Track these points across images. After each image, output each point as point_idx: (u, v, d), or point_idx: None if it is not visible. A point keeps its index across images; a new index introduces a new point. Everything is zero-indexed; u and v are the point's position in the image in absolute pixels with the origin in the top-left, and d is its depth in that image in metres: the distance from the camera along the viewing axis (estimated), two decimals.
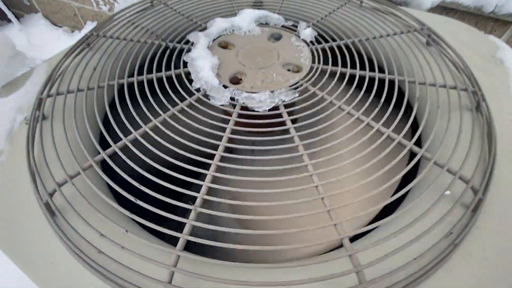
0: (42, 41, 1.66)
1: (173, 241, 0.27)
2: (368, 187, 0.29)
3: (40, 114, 0.37)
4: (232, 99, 0.35)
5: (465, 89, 0.39)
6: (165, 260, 0.24)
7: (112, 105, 0.39)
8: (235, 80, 0.37)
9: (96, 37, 0.50)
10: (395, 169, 0.30)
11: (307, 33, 0.43)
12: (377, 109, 0.36)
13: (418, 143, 0.35)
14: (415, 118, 0.39)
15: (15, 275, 0.68)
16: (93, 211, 0.28)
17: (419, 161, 0.32)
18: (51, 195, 0.29)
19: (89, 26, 1.52)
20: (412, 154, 0.33)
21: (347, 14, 0.53)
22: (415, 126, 0.38)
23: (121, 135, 0.34)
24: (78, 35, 1.59)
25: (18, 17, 1.57)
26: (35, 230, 0.30)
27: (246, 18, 0.45)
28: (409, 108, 0.40)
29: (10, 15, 1.60)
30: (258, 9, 0.52)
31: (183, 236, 0.25)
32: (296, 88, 0.36)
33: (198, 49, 0.38)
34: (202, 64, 0.36)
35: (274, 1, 0.55)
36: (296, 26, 0.46)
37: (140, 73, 0.43)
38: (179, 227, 0.27)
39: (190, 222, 0.26)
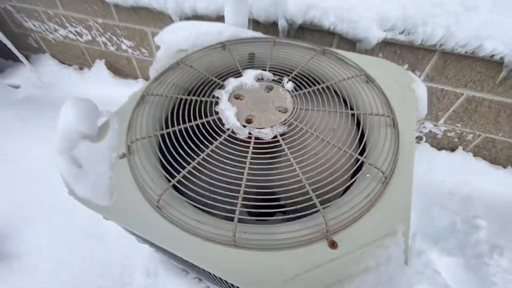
0: (53, 79, 1.85)
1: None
2: (332, 177, 0.52)
3: (128, 153, 0.58)
4: (249, 133, 0.58)
5: (388, 116, 0.64)
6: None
7: (172, 144, 0.61)
8: (249, 121, 0.60)
9: (146, 95, 0.72)
10: (347, 168, 0.54)
11: (289, 86, 0.67)
12: (337, 132, 0.60)
13: (364, 149, 0.59)
14: (363, 131, 0.63)
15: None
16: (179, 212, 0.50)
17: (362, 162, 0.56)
18: (158, 200, 0.50)
19: (98, 63, 1.72)
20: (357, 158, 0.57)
21: (317, 63, 0.77)
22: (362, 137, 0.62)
23: (184, 163, 0.56)
24: (88, 73, 1.79)
25: (26, 58, 1.75)
26: (148, 221, 0.51)
27: (249, 76, 0.68)
28: (359, 128, 0.64)
29: (21, 57, 1.78)
30: (253, 65, 0.76)
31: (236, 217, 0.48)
32: (285, 124, 0.60)
33: (223, 102, 0.61)
34: (228, 113, 0.59)
35: (264, 58, 0.80)
36: (282, 79, 0.70)
37: (183, 120, 0.64)
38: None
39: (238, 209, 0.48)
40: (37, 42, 1.86)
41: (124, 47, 1.58)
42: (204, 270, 0.56)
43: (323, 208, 0.47)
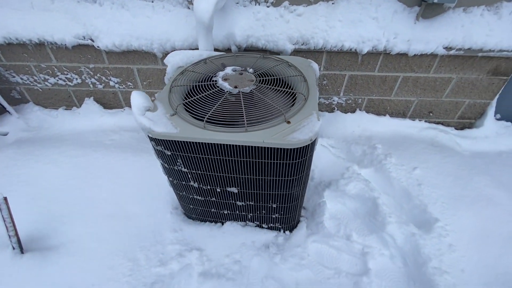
0: (41, 123, 2.11)
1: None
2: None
3: (174, 112, 1.08)
4: (238, 90, 1.15)
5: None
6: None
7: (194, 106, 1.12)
8: (236, 87, 1.17)
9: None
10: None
11: (251, 70, 1.28)
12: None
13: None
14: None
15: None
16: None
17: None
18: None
19: (87, 101, 2.09)
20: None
21: (278, 68, 1.40)
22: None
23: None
24: (78, 110, 2.12)
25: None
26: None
27: (229, 70, 1.27)
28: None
29: (8, 107, 2.03)
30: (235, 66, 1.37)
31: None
32: (250, 85, 1.19)
33: (220, 82, 1.18)
34: (225, 85, 1.15)
35: (252, 63, 1.41)
36: (246, 69, 1.30)
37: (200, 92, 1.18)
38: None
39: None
40: (21, 94, 2.14)
41: (111, 83, 2.02)
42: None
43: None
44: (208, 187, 1.23)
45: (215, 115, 1.05)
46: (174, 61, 1.39)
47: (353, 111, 2.13)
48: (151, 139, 1.06)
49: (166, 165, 1.16)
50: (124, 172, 1.67)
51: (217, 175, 1.15)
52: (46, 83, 2.04)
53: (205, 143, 1.01)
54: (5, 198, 1.20)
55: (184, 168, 1.14)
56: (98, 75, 1.97)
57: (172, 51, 1.75)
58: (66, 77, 2.00)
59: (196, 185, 1.23)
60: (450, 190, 1.60)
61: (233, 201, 1.30)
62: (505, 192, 1.60)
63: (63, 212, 1.49)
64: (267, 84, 1.21)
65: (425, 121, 2.17)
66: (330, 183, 1.68)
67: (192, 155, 1.07)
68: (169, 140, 1.03)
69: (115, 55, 1.85)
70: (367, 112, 2.13)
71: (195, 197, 1.32)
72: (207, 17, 1.43)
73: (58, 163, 1.71)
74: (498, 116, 2.19)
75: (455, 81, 1.93)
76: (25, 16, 1.73)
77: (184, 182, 1.23)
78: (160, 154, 1.12)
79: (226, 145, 1.00)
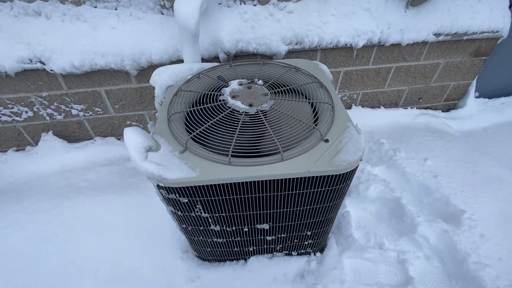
0: None
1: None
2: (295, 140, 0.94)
3: (185, 148, 0.85)
4: (256, 110, 0.95)
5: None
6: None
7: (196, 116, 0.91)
8: (250, 105, 0.97)
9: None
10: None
11: (260, 83, 1.09)
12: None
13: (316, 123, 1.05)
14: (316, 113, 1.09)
15: None
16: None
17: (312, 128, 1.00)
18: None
19: (45, 136, 1.70)
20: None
21: (288, 75, 1.20)
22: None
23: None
24: (34, 149, 1.72)
25: None
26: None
27: (235, 84, 1.06)
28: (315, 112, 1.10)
29: None
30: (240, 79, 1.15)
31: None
32: (267, 102, 1.00)
33: (229, 99, 0.98)
34: (238, 104, 0.95)
35: (255, 72, 1.20)
36: (254, 81, 1.11)
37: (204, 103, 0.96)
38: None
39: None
40: None
41: (74, 112, 1.67)
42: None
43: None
44: (233, 228, 1.02)
45: (237, 144, 0.85)
46: (162, 81, 1.14)
47: (349, 107, 2.05)
48: (161, 187, 0.82)
49: (179, 212, 0.93)
50: (112, 220, 1.37)
51: (246, 214, 0.95)
52: None
53: (233, 182, 0.80)
54: None
55: (205, 213, 0.92)
56: (55, 104, 1.61)
57: (148, 66, 1.47)
58: (11, 112, 1.60)
59: (218, 228, 1.01)
60: (463, 176, 1.60)
61: (262, 237, 1.11)
62: (510, 170, 1.64)
63: None
64: (283, 97, 1.03)
65: (416, 108, 2.19)
66: (350, 189, 1.57)
67: (216, 198, 0.86)
68: (186, 187, 0.80)
69: (75, 78, 1.51)
70: (363, 106, 2.07)
71: (215, 240, 1.10)
72: (192, 23, 1.20)
73: (21, 223, 1.35)
74: (477, 94, 2.29)
75: (442, 66, 1.95)
76: None
77: (202, 227, 1.01)
78: (172, 203, 0.89)
79: (259, 180, 0.81)
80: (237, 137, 0.86)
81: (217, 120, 0.93)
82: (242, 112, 0.95)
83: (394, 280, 1.29)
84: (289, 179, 0.81)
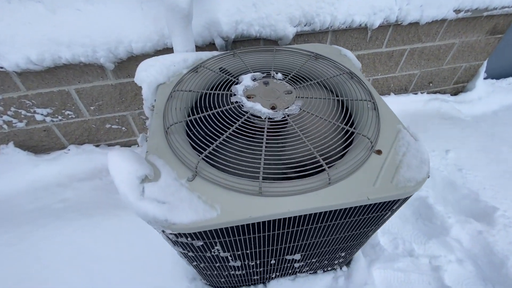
0: None
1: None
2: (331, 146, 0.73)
3: (195, 173, 0.62)
4: (283, 115, 0.74)
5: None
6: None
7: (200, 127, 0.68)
8: (273, 107, 0.75)
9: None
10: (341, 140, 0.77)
11: (279, 76, 0.85)
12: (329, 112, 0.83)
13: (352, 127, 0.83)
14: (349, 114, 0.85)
15: None
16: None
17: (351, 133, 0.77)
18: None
19: (6, 148, 1.39)
20: (347, 130, 0.79)
21: (310, 65, 0.97)
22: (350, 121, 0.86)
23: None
24: None
25: None
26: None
27: (248, 80, 0.83)
28: (344, 111, 0.86)
29: None
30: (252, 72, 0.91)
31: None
32: (295, 103, 0.78)
33: (245, 101, 0.75)
34: (258, 107, 0.72)
35: (269, 62, 0.95)
36: (270, 74, 0.87)
37: (210, 108, 0.72)
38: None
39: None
40: None
41: (39, 117, 1.36)
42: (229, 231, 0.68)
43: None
44: (258, 261, 0.82)
45: (266, 162, 0.63)
46: (151, 77, 0.88)
47: None
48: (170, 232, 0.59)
49: (191, 253, 0.71)
50: (99, 250, 1.14)
51: (276, 248, 0.75)
52: None
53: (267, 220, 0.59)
54: None
55: (224, 252, 0.71)
56: (12, 109, 1.29)
57: (128, 58, 1.19)
58: None
59: (238, 263, 0.81)
60: (488, 168, 1.48)
61: (290, 264, 0.92)
62: None
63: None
64: (309, 94, 0.82)
65: (426, 93, 2.04)
66: None
67: (240, 237, 0.65)
68: (204, 230, 0.58)
69: (35, 77, 1.20)
70: None
71: (232, 272, 0.90)
72: (184, 1, 0.93)
73: None
74: (485, 75, 2.17)
75: (456, 47, 1.79)
76: None
77: (219, 264, 0.80)
78: (182, 245, 0.66)
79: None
80: (265, 153, 0.64)
81: (234, 131, 0.70)
82: (266, 118, 0.72)
83: None
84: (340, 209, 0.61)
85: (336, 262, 1.05)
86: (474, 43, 1.81)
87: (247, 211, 0.57)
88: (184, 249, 0.69)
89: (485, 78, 2.20)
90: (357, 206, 0.62)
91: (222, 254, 0.72)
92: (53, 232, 1.17)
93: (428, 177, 0.64)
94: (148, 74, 0.89)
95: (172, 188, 0.61)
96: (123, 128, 1.54)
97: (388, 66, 1.75)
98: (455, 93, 2.17)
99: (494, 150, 1.57)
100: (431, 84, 2.02)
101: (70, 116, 1.40)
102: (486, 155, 1.54)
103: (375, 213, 0.67)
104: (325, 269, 1.14)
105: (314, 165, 0.63)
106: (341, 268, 1.19)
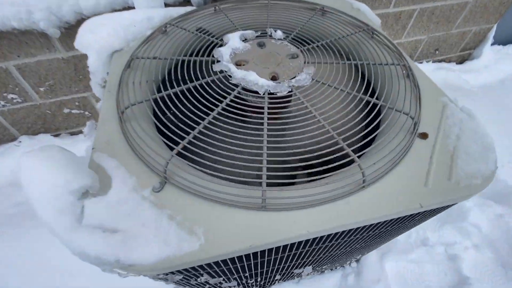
0: None
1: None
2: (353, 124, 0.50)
3: (164, 180, 0.41)
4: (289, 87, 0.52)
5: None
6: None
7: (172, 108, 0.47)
8: (274, 78, 0.53)
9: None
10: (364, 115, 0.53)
11: (279, 33, 0.63)
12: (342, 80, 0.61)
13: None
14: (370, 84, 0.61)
15: None
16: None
17: (379, 108, 0.54)
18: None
19: None
20: (373, 106, 0.55)
21: (315, 21, 0.73)
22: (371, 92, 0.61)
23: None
24: None
25: None
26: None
27: (236, 40, 0.60)
28: (365, 81, 0.62)
29: None
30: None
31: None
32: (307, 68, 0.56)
33: (230, 65, 0.52)
34: (252, 77, 0.50)
35: (262, 19, 0.71)
36: (265, 34, 0.65)
37: (184, 81, 0.50)
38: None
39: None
40: None
41: None
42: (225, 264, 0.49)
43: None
44: (259, 278, 0.65)
45: (269, 158, 0.43)
46: (101, 42, 0.63)
47: None
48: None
49: (171, 284, 0.52)
50: (67, 261, 0.94)
51: (282, 267, 0.58)
52: None
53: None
54: None
55: (213, 278, 0.53)
56: None
57: (78, 21, 0.92)
58: None
59: (234, 284, 0.63)
60: (503, 143, 1.35)
61: (299, 273, 0.76)
62: None
63: None
64: (319, 58, 0.60)
65: (432, 62, 1.86)
66: None
67: (234, 265, 0.46)
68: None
69: None
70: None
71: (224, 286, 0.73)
72: None
73: None
74: (493, 40, 2.00)
75: (470, 6, 1.58)
76: None
77: (208, 286, 0.62)
78: (154, 278, 0.47)
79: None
80: (267, 145, 0.44)
81: (220, 112, 0.48)
82: (265, 93, 0.51)
83: (444, 281, 1.06)
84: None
85: (346, 264, 0.90)
86: (488, 3, 1.61)
87: (246, 236, 0.37)
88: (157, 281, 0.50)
89: (492, 44, 2.03)
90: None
91: (211, 281, 0.53)
92: (11, 243, 0.96)
93: (496, 168, 0.46)
94: (97, 37, 0.64)
95: (129, 205, 0.40)
96: (86, 113, 1.27)
97: (394, 31, 1.53)
98: (460, 61, 2.00)
99: (505, 123, 1.44)
100: (437, 52, 1.83)
101: (15, 101, 1.13)
102: (498, 129, 1.40)
103: (419, 220, 0.49)
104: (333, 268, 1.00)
105: (337, 158, 0.43)
106: (350, 265, 1.05)
